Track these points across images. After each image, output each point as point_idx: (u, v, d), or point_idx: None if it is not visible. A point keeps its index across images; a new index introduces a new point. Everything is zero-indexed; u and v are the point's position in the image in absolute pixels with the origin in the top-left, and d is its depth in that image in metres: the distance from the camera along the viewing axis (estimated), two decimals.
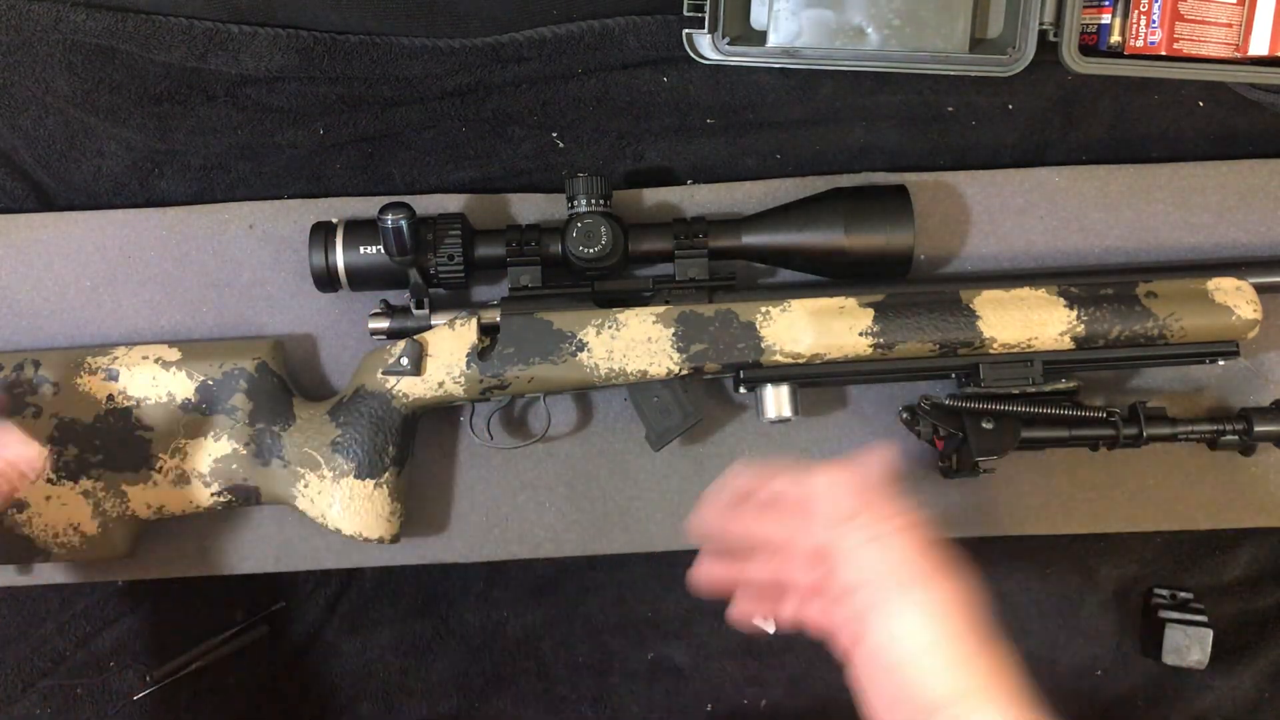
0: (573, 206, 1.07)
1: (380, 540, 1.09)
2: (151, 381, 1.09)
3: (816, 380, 1.09)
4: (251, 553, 1.17)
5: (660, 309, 1.07)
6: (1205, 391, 1.17)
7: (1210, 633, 1.24)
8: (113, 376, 1.10)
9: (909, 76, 1.11)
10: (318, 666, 1.29)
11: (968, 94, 1.15)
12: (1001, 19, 1.05)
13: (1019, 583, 1.29)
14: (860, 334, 1.05)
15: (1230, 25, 1.05)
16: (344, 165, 1.19)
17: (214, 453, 1.08)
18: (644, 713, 1.29)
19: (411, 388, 1.07)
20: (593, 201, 1.06)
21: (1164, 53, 1.04)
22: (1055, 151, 1.20)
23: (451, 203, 1.17)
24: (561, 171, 1.19)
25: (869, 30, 1.04)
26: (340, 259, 1.06)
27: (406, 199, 1.04)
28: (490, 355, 1.07)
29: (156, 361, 1.10)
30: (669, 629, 1.29)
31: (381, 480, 1.07)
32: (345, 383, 1.15)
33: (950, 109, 1.16)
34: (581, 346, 1.06)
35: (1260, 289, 1.08)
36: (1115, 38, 1.06)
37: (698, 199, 1.17)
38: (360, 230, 1.07)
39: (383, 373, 1.07)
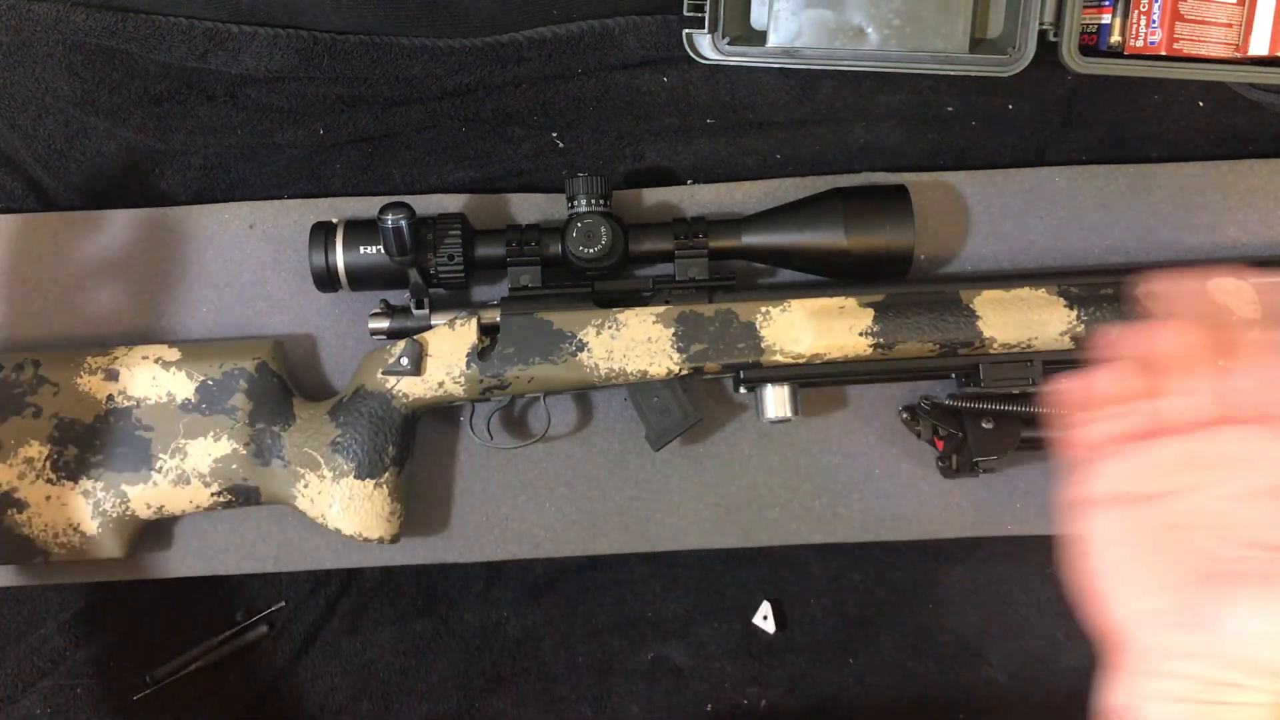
0: (573, 206, 1.07)
1: (380, 540, 1.09)
2: (151, 381, 1.09)
3: (817, 380, 1.10)
4: (251, 553, 1.17)
5: (660, 309, 1.07)
6: None
7: None
8: (113, 376, 1.10)
9: (909, 76, 1.11)
10: (318, 666, 1.29)
11: (968, 94, 1.15)
12: (1001, 19, 1.05)
13: (1019, 583, 1.29)
14: (860, 334, 1.05)
15: (1230, 25, 1.05)
16: (344, 165, 1.19)
17: (214, 453, 1.08)
18: (644, 713, 1.29)
19: (411, 388, 1.07)
20: (593, 201, 1.06)
21: (1164, 53, 1.04)
22: (1055, 151, 1.20)
23: (451, 203, 1.17)
24: (561, 171, 1.19)
25: (869, 30, 1.04)
26: (340, 259, 1.06)
27: (406, 199, 1.04)
28: (490, 355, 1.07)
29: (156, 361, 1.10)
30: (669, 629, 1.29)
31: (381, 480, 1.07)
32: (345, 383, 1.15)
33: (950, 109, 1.16)
34: (581, 346, 1.06)
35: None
36: (1115, 38, 1.05)
37: (698, 199, 1.17)
38: (360, 230, 1.07)
39: (383, 373, 1.07)
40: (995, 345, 1.06)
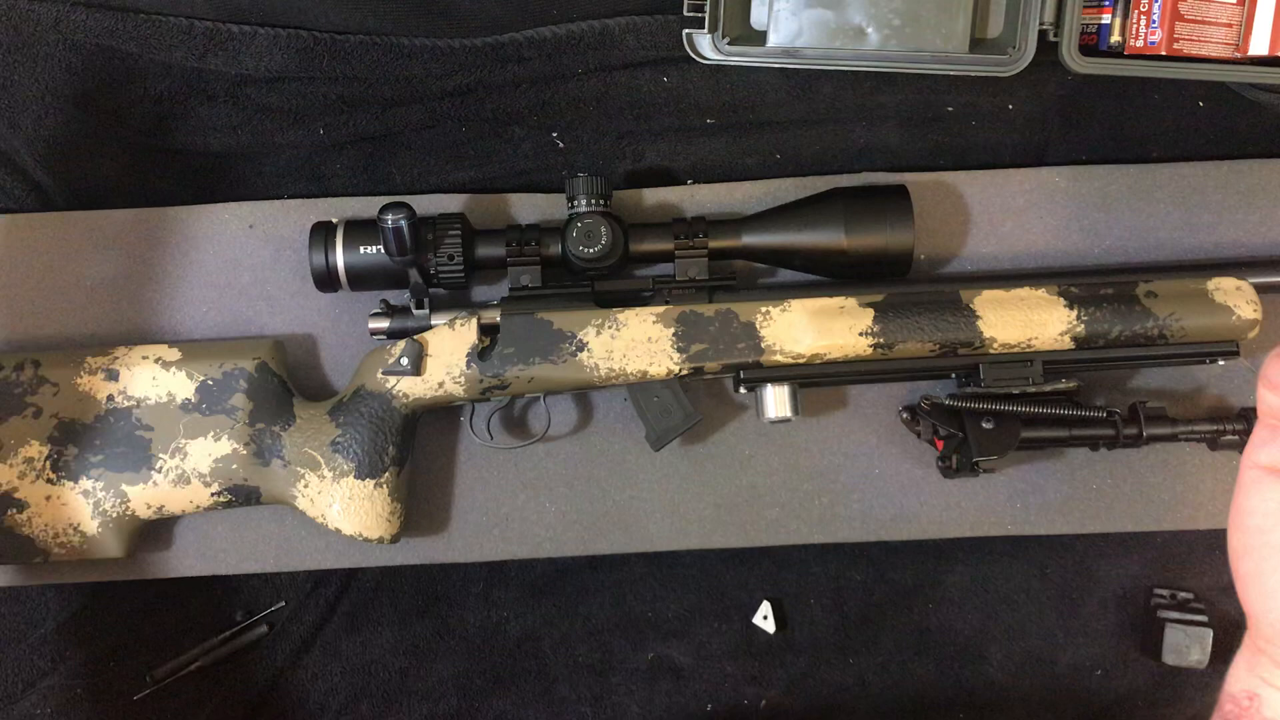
0: (573, 206, 1.07)
1: (380, 540, 1.09)
2: (151, 381, 1.09)
3: (817, 380, 1.09)
4: (251, 553, 1.17)
5: (660, 309, 1.07)
6: (1205, 391, 1.17)
7: (1210, 633, 1.24)
8: (113, 376, 1.10)
9: (909, 76, 1.11)
10: (318, 666, 1.29)
11: (968, 94, 1.15)
12: (1001, 19, 1.05)
13: (1019, 583, 1.29)
14: (860, 334, 1.05)
15: (1230, 25, 1.05)
16: (344, 165, 1.19)
17: (214, 453, 1.08)
18: (644, 713, 1.29)
19: (411, 388, 1.07)
20: (593, 201, 1.06)
21: (1164, 53, 1.04)
22: (1055, 151, 1.20)
23: (451, 203, 1.17)
24: (561, 171, 1.19)
25: (869, 30, 1.04)
26: (340, 259, 1.06)
27: (406, 199, 1.04)
28: (490, 355, 1.07)
29: (156, 361, 1.10)
30: (669, 629, 1.29)
31: (381, 480, 1.07)
32: (345, 383, 1.15)
33: (950, 109, 1.16)
34: (582, 346, 1.06)
35: (1260, 289, 1.07)
36: (1115, 38, 1.06)
37: (698, 199, 1.17)
38: (360, 230, 1.07)
39: (383, 373, 1.07)
40: (995, 345, 1.06)
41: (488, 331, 1.08)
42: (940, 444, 1.12)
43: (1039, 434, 1.09)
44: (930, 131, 1.18)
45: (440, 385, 1.07)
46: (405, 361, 1.06)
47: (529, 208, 1.17)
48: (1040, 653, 1.29)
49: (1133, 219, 1.17)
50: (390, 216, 1.01)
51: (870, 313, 1.06)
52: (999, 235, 1.17)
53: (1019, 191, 1.17)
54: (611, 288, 1.10)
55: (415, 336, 1.07)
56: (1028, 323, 1.05)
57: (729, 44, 1.04)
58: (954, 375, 1.11)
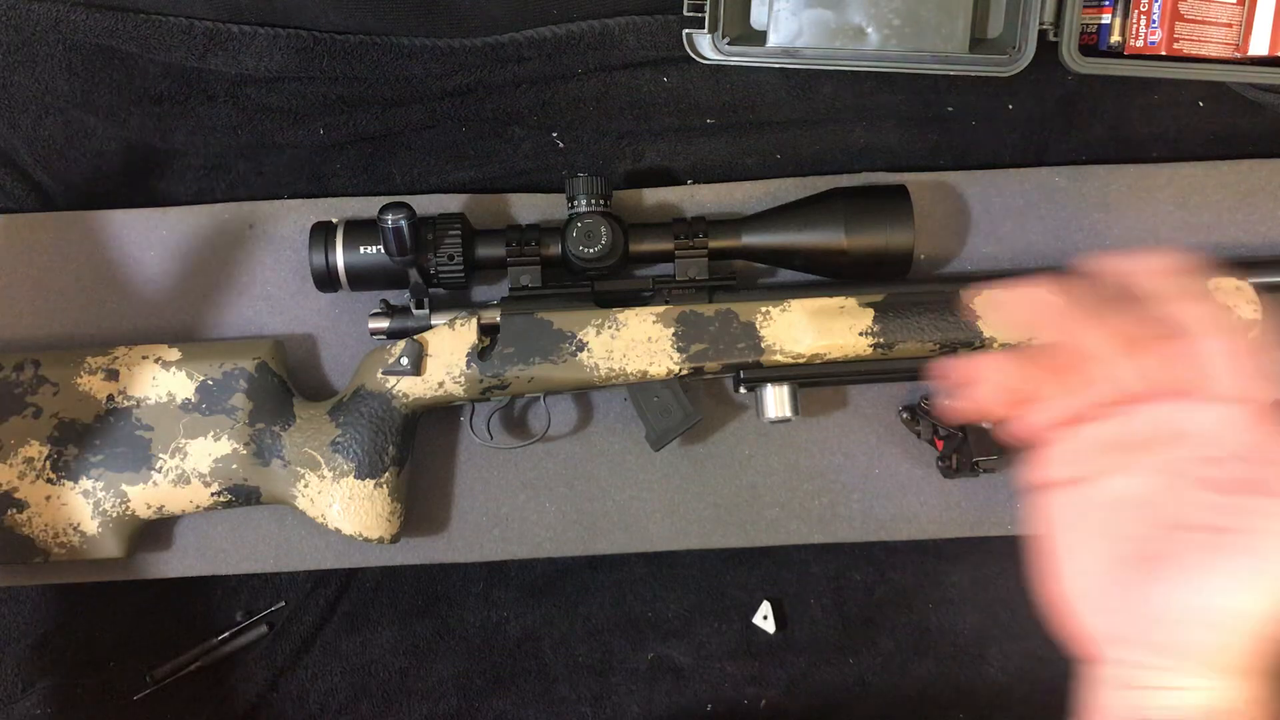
0: (573, 206, 1.07)
1: (380, 540, 1.09)
2: (151, 381, 1.09)
3: (817, 380, 1.09)
4: (251, 553, 1.17)
5: (660, 309, 1.07)
6: None
7: None
8: (113, 376, 1.10)
9: (909, 76, 1.11)
10: (318, 666, 1.29)
11: (968, 94, 1.15)
12: (1001, 19, 1.05)
13: (1019, 583, 1.28)
14: (860, 334, 1.05)
15: (1230, 25, 1.05)
16: (344, 165, 1.19)
17: (214, 453, 1.08)
18: (644, 713, 1.29)
19: (411, 388, 1.07)
20: (593, 201, 1.06)
21: (1164, 53, 1.04)
22: (1055, 151, 1.20)
23: (451, 203, 1.17)
24: (561, 171, 1.19)
25: (869, 30, 1.04)
26: (340, 259, 1.06)
27: (406, 199, 1.04)
28: (490, 355, 1.07)
29: (156, 361, 1.10)
30: (669, 629, 1.29)
31: (381, 480, 1.07)
32: (345, 383, 1.15)
33: (950, 109, 1.16)
34: (581, 346, 1.06)
35: (1260, 289, 1.07)
36: (1115, 38, 1.06)
37: (698, 199, 1.17)
38: (360, 230, 1.07)
39: (383, 373, 1.07)
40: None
41: (488, 331, 1.08)
42: (940, 444, 1.12)
43: None
44: (930, 131, 1.18)
45: (440, 385, 1.07)
46: (405, 361, 1.06)
47: (529, 208, 1.17)
48: (1040, 653, 1.28)
49: (1133, 219, 1.17)
50: (390, 216, 1.01)
51: (870, 313, 1.06)
52: (999, 235, 1.17)
53: (1019, 191, 1.17)
54: (611, 288, 1.10)
55: (415, 336, 1.07)
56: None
57: (729, 44, 1.04)
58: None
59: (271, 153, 1.18)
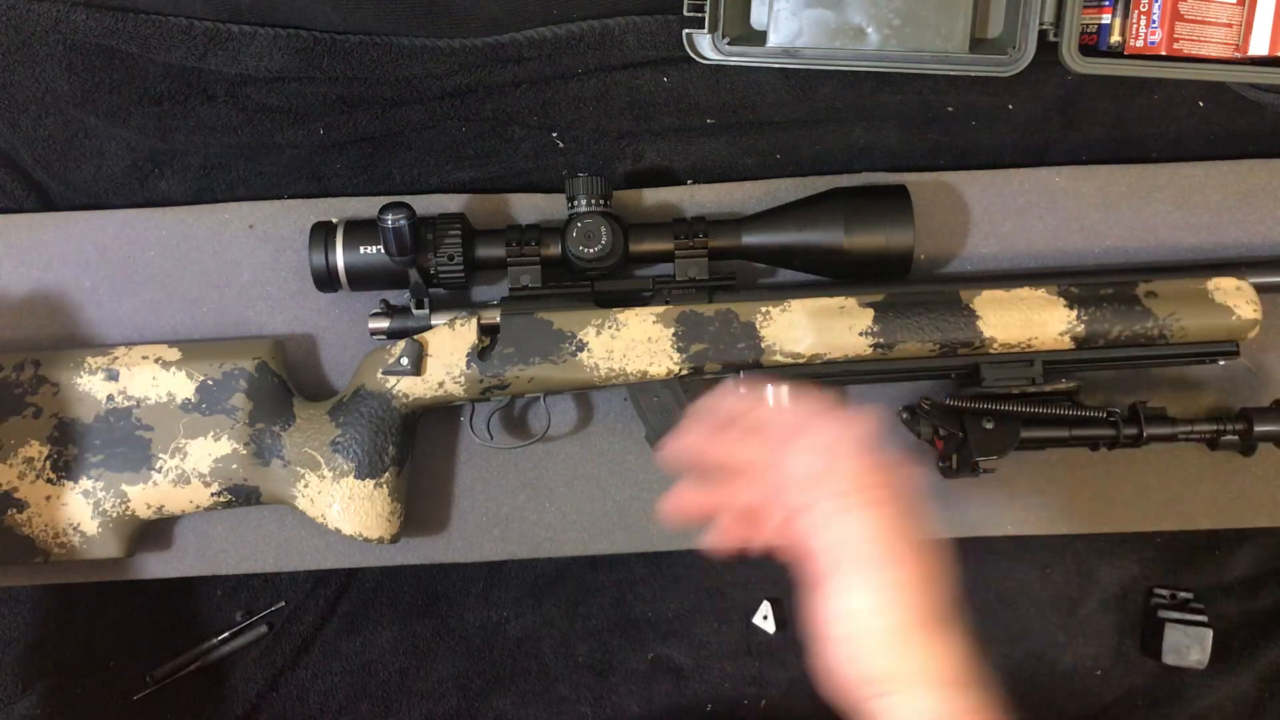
0: (573, 206, 1.07)
1: (380, 540, 1.09)
2: (152, 381, 1.09)
3: (816, 380, 1.09)
4: (251, 553, 1.17)
5: (660, 309, 1.07)
6: (1205, 391, 1.17)
7: (1210, 633, 1.24)
8: (113, 376, 1.10)
9: (909, 76, 1.11)
10: (318, 666, 1.29)
11: (968, 94, 1.15)
12: (1001, 19, 1.05)
13: (1019, 583, 1.29)
14: (860, 334, 1.05)
15: (1230, 25, 1.05)
16: (344, 165, 1.19)
17: (214, 453, 1.08)
18: (644, 713, 1.29)
19: (411, 388, 1.07)
20: (593, 202, 1.06)
21: (1164, 53, 1.04)
22: (1055, 151, 1.20)
23: (451, 203, 1.17)
24: (561, 171, 1.19)
25: (869, 30, 1.04)
26: (340, 259, 1.06)
27: (406, 199, 1.04)
28: (490, 355, 1.07)
29: (157, 361, 1.10)
30: (669, 629, 1.29)
31: (381, 480, 1.07)
32: (345, 383, 1.15)
33: (950, 109, 1.16)
34: (581, 347, 1.06)
35: (1260, 289, 1.08)
36: (1115, 38, 1.06)
37: (698, 199, 1.17)
38: (360, 230, 1.07)
39: (383, 373, 1.07)
40: (995, 345, 1.06)
41: (488, 331, 1.08)
42: (940, 444, 1.11)
43: (1039, 434, 1.09)
44: (930, 131, 1.18)
45: (440, 385, 1.07)
46: (405, 361, 1.06)
47: (529, 208, 1.17)
48: (1040, 653, 1.28)
49: (1133, 219, 1.17)
50: (390, 217, 1.01)
51: (870, 313, 1.06)
52: (999, 235, 1.17)
53: (1019, 191, 1.17)
54: (611, 288, 1.10)
55: (415, 336, 1.07)
56: (1028, 323, 1.05)
57: (729, 44, 1.04)
58: (954, 375, 1.11)
59: (271, 153, 1.18)
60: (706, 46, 1.04)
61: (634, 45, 1.10)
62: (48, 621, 1.27)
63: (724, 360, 1.06)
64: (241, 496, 1.09)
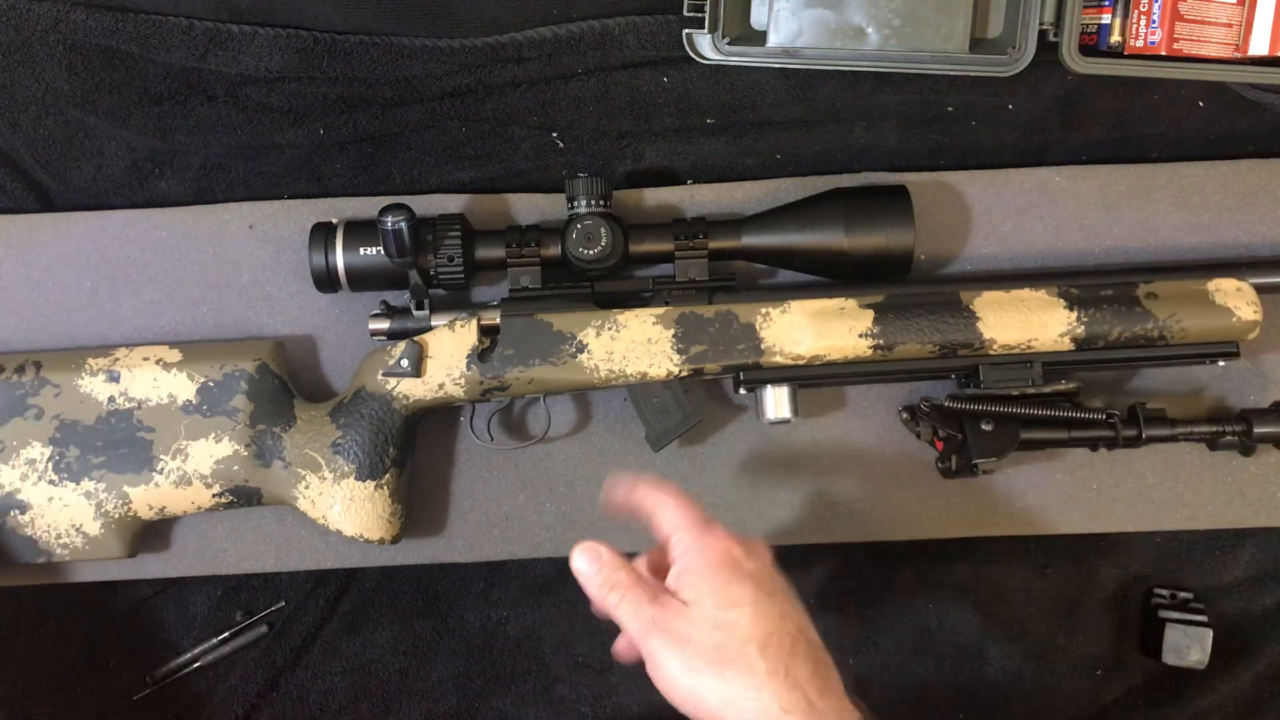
0: (573, 207, 1.07)
1: (381, 541, 1.09)
2: (153, 383, 1.09)
3: (816, 381, 1.10)
4: (251, 553, 1.17)
5: (660, 310, 1.07)
6: (1205, 392, 1.17)
7: (1210, 633, 1.24)
8: (114, 378, 1.10)
9: (909, 76, 1.11)
10: (318, 666, 1.29)
11: (968, 94, 1.15)
12: (1001, 19, 1.05)
13: (1019, 583, 1.29)
14: (860, 335, 1.05)
15: (1230, 25, 1.05)
16: (344, 165, 1.19)
17: (215, 454, 1.08)
18: (644, 713, 1.29)
19: (412, 389, 1.07)
20: (592, 202, 1.06)
21: (1164, 53, 1.04)
22: (1055, 151, 1.20)
23: (451, 203, 1.17)
24: (561, 171, 1.19)
25: (869, 30, 1.04)
26: (340, 260, 1.06)
27: (406, 199, 1.04)
28: (490, 357, 1.07)
29: (157, 363, 1.10)
30: None
31: (382, 482, 1.07)
32: (345, 383, 1.15)
33: (950, 109, 1.16)
34: (581, 348, 1.06)
35: (1261, 290, 1.08)
36: (1115, 38, 1.06)
37: (698, 199, 1.17)
38: (360, 231, 1.07)
39: (383, 374, 1.07)
40: (995, 347, 1.06)
41: (488, 333, 1.08)
42: (940, 445, 1.12)
43: (1038, 435, 1.09)
44: (930, 131, 1.18)
45: (440, 387, 1.07)
46: (405, 363, 1.06)
47: (529, 208, 1.17)
48: (1040, 653, 1.28)
49: (1133, 219, 1.17)
50: (390, 218, 1.01)
51: (870, 314, 1.06)
52: (999, 235, 1.17)
53: (1019, 191, 1.17)
54: (611, 288, 1.10)
55: (415, 338, 1.07)
56: (1028, 324, 1.05)
57: (729, 44, 1.04)
58: (954, 376, 1.11)
59: (271, 153, 1.18)
60: (706, 46, 1.04)
61: (634, 45, 1.10)
62: (48, 621, 1.27)
63: (724, 362, 1.06)
64: (243, 498, 1.09)
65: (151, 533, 1.14)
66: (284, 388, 1.11)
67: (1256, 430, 1.10)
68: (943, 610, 1.29)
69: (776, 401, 1.08)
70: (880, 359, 1.07)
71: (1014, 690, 1.29)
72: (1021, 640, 1.29)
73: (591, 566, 0.86)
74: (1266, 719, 1.29)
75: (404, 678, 1.29)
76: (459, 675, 1.29)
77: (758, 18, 1.06)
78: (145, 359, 1.10)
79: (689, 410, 1.08)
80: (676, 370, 1.07)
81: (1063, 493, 1.17)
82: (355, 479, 1.07)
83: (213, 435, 1.08)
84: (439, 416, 1.15)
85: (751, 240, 1.08)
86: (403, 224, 1.01)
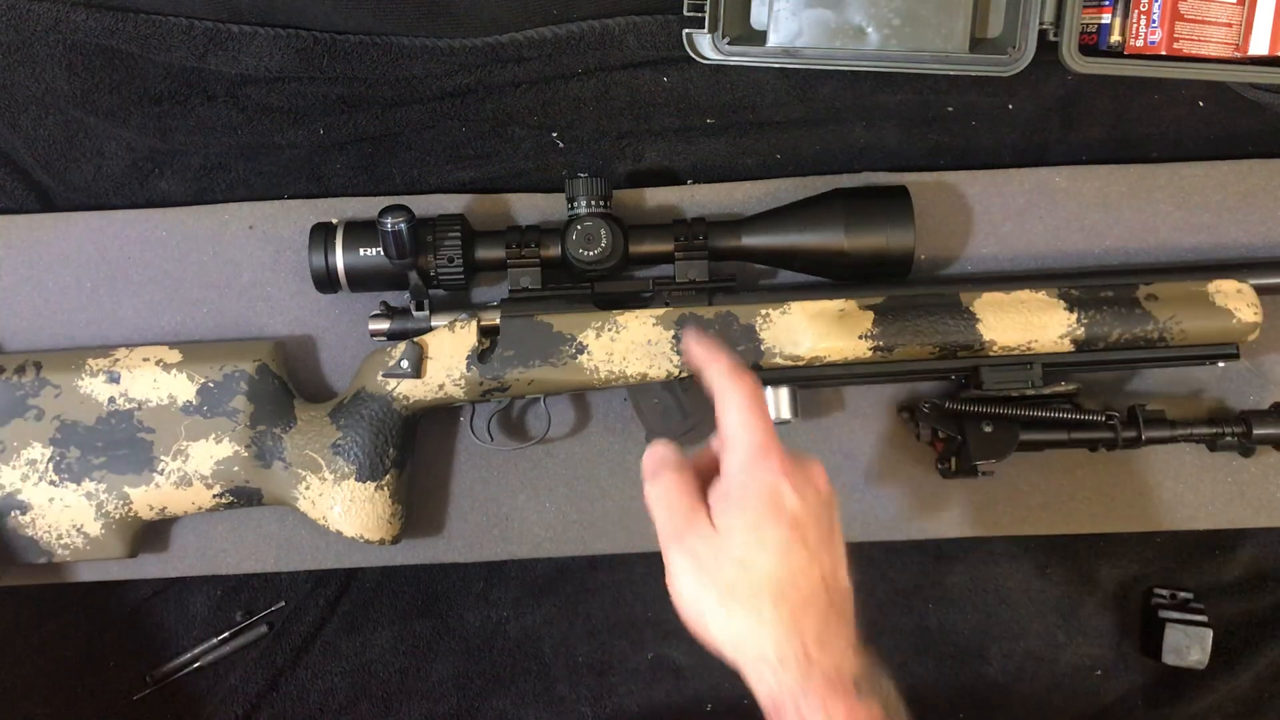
0: (572, 208, 1.07)
1: (382, 542, 1.09)
2: (153, 384, 1.09)
3: (816, 382, 1.09)
4: (251, 553, 1.17)
5: (660, 311, 1.07)
6: (1205, 393, 1.17)
7: (1210, 633, 1.24)
8: (114, 379, 1.10)
9: (909, 76, 1.11)
10: (318, 666, 1.29)
11: (968, 94, 1.15)
12: (1001, 19, 1.05)
13: (1019, 583, 1.29)
14: (860, 337, 1.05)
15: (1230, 25, 1.05)
16: (344, 165, 1.19)
17: (215, 455, 1.08)
18: (644, 713, 1.29)
19: (412, 390, 1.07)
20: (592, 203, 1.06)
21: (1164, 53, 1.04)
22: (1055, 151, 1.20)
23: (451, 203, 1.17)
24: (561, 171, 1.19)
25: (869, 30, 1.04)
26: (340, 261, 1.06)
27: (406, 200, 1.05)
28: (490, 358, 1.07)
29: (158, 364, 1.10)
30: (669, 629, 1.29)
31: (383, 483, 1.07)
32: (345, 384, 1.15)
33: (950, 109, 1.16)
34: (581, 349, 1.06)
35: (1261, 291, 1.07)
36: (1115, 38, 1.05)
37: (698, 199, 1.17)
38: (360, 232, 1.07)
39: (383, 376, 1.07)
40: (995, 348, 1.06)
41: (487, 334, 1.08)
42: (939, 446, 1.12)
43: (1038, 437, 1.09)
44: (930, 131, 1.18)
45: (440, 388, 1.07)
46: (405, 364, 1.06)
47: (529, 208, 1.17)
48: (1040, 653, 1.28)
49: (1133, 219, 1.17)
50: (389, 220, 1.01)
51: (870, 316, 1.06)
52: (999, 235, 1.17)
53: (1019, 191, 1.17)
54: (611, 289, 1.10)
55: (415, 339, 1.07)
56: (1028, 326, 1.05)
57: (729, 44, 1.04)
58: (954, 377, 1.11)
59: (271, 153, 1.18)
60: (706, 46, 1.04)
61: (634, 45, 1.10)
62: (48, 621, 1.27)
63: None
64: (243, 498, 1.09)
65: (151, 533, 1.14)
66: (284, 388, 1.11)
67: (1256, 432, 1.10)
68: (943, 610, 1.29)
69: (776, 402, 1.08)
70: (880, 360, 1.07)
71: (1014, 690, 1.29)
72: (1021, 640, 1.29)
73: (650, 456, 0.87)
74: (1266, 719, 1.29)
75: (404, 678, 1.29)
76: (459, 675, 1.29)
77: (758, 18, 1.06)
78: (145, 360, 1.10)
79: (689, 411, 1.08)
80: (676, 371, 1.07)
81: (1063, 493, 1.17)
82: (356, 480, 1.07)
83: (213, 436, 1.08)
84: (439, 417, 1.15)
85: (751, 241, 1.08)
86: (402, 225, 1.01)
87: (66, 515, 1.08)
